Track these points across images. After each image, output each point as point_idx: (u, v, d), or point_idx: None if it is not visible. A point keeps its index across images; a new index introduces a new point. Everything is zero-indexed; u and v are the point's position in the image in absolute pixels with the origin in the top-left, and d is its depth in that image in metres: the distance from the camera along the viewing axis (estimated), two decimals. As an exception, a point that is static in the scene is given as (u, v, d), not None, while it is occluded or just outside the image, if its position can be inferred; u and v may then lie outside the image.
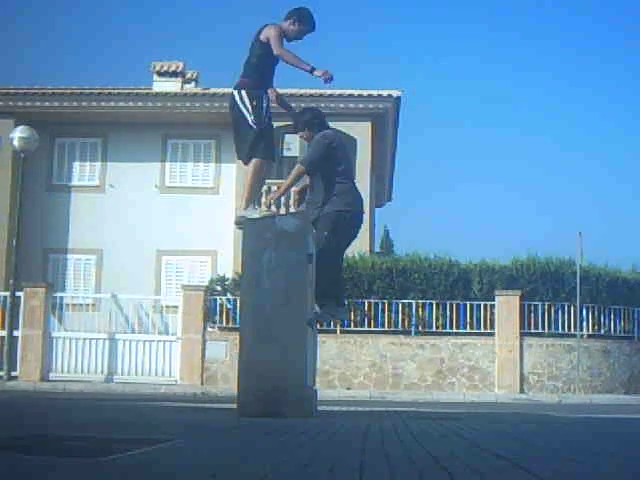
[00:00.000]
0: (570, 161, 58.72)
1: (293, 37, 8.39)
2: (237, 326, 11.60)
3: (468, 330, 17.91)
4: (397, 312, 18.04)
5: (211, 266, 22.93)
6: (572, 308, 18.02)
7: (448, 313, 17.98)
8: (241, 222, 7.44)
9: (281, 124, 21.53)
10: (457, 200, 57.68)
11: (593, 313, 18.32)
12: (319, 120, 8.34)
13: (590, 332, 18.28)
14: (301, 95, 22.95)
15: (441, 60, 61.74)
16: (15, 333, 17.97)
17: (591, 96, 60.63)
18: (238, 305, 14.70)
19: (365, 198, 24.35)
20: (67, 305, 20.21)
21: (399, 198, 51.99)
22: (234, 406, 6.86)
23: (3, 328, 18.02)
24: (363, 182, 23.09)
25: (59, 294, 19.72)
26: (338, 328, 17.99)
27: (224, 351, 17.91)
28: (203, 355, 18.10)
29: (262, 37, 8.12)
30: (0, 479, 2.83)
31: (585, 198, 56.21)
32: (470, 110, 62.84)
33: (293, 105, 8.87)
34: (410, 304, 18.03)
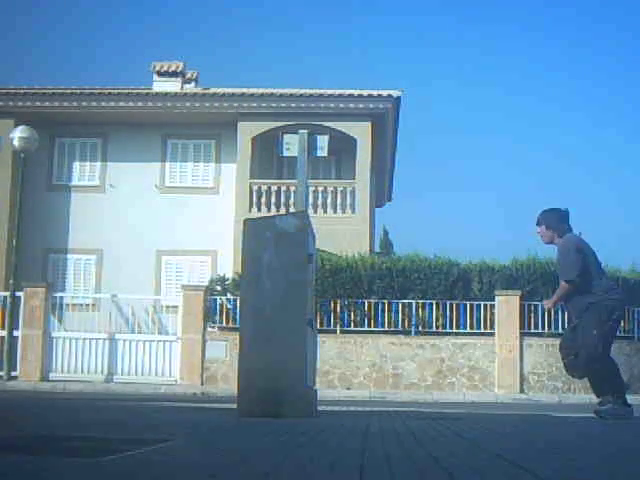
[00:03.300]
0: (570, 161, 58.77)
1: None
2: (237, 326, 11.59)
3: (468, 330, 17.91)
4: (397, 312, 18.04)
5: (211, 266, 22.94)
6: (572, 308, 18.01)
7: (448, 313, 17.97)
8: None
9: (280, 124, 21.71)
10: (457, 200, 57.67)
11: (593, 313, 18.30)
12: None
13: (590, 332, 18.26)
14: (301, 95, 22.99)
15: (441, 60, 61.74)
16: (15, 333, 17.97)
17: (585, 103, 60.72)
18: (238, 305, 14.70)
19: (365, 198, 24.48)
20: (67, 305, 20.20)
21: (399, 198, 51.97)
22: (234, 406, 6.86)
23: (3, 328, 18.02)
24: (363, 182, 23.14)
25: (59, 294, 19.71)
26: (338, 328, 18.00)
27: (224, 351, 17.91)
28: (203, 355, 18.10)
29: None
30: (0, 479, 2.83)
31: (585, 198, 56.20)
32: (470, 110, 62.85)
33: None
34: (410, 304, 18.03)
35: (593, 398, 8.46)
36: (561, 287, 8.03)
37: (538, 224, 8.34)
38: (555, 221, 8.17)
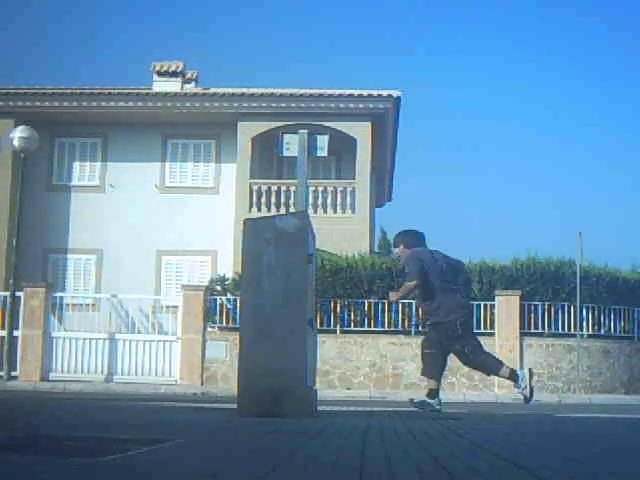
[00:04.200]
0: (570, 161, 58.77)
1: None
2: (237, 326, 11.58)
3: (468, 330, 17.89)
4: (397, 312, 18.04)
5: (211, 266, 22.94)
6: (572, 308, 18.02)
7: (448, 313, 17.95)
8: None
9: (280, 124, 21.70)
10: (457, 200, 57.66)
11: (593, 313, 18.32)
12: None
13: (590, 332, 18.27)
14: (301, 95, 22.99)
15: (442, 60, 61.75)
16: (15, 333, 17.97)
17: (599, 95, 60.74)
18: (238, 305, 14.69)
19: (365, 198, 24.45)
20: (67, 305, 20.20)
21: (399, 198, 51.96)
22: (234, 406, 6.86)
23: (3, 328, 18.01)
24: (363, 182, 23.15)
25: (59, 294, 19.71)
26: (338, 328, 18.00)
27: (224, 351, 17.91)
28: (203, 355, 18.10)
29: None
30: (0, 479, 2.83)
31: (585, 198, 56.21)
32: (471, 110, 62.84)
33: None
34: (410, 304, 18.02)
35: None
36: (405, 286, 9.53)
37: (395, 246, 9.81)
38: (411, 241, 9.51)
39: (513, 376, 9.23)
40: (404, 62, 59.85)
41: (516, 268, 18.36)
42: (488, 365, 9.48)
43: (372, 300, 18.07)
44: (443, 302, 9.24)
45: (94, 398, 12.32)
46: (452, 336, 9.18)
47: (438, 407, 9.02)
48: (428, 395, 9.17)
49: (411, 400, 9.37)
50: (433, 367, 9.32)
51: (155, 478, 2.94)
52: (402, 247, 9.58)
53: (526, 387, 9.05)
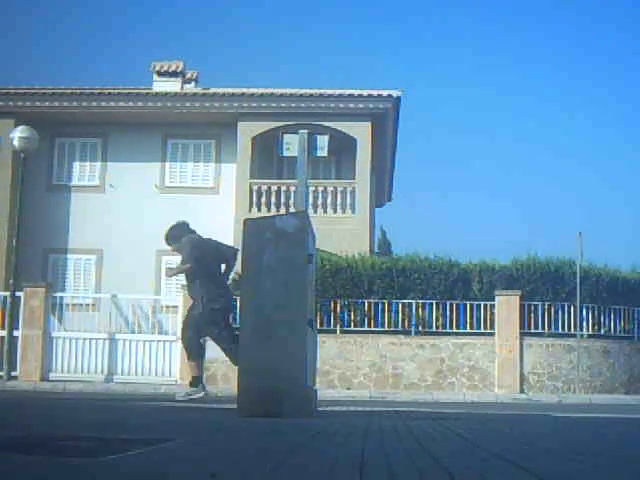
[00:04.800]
0: (570, 161, 58.75)
1: None
2: (237, 326, 11.58)
3: (468, 330, 17.90)
4: (397, 312, 18.03)
5: (211, 266, 22.92)
6: (572, 308, 18.01)
7: (448, 313, 17.96)
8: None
9: (280, 124, 21.70)
10: (457, 200, 57.66)
11: (593, 313, 18.31)
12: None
13: (590, 332, 18.27)
14: (301, 95, 22.99)
15: (443, 60, 61.74)
16: (15, 333, 17.96)
17: (589, 102, 60.74)
18: (238, 305, 14.68)
19: (365, 198, 24.46)
20: (67, 305, 20.18)
21: (399, 198, 51.98)
22: (234, 406, 6.86)
23: (3, 328, 18.00)
24: (363, 182, 23.14)
25: (59, 294, 19.69)
26: (338, 328, 18.00)
27: (224, 351, 17.87)
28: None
29: None
30: (0, 479, 2.83)
31: (585, 198, 56.20)
32: (470, 111, 62.83)
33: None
34: (410, 304, 18.02)
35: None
36: (179, 267, 10.56)
37: (168, 244, 10.89)
38: (178, 235, 10.70)
39: (195, 381, 10.07)
40: (404, 62, 59.85)
41: (516, 268, 18.35)
42: (232, 357, 10.01)
43: (372, 300, 18.06)
44: (209, 288, 9.94)
45: (94, 398, 12.31)
46: (210, 320, 9.90)
47: (202, 393, 9.72)
48: (191, 384, 9.81)
49: (177, 399, 9.84)
50: (194, 352, 10.07)
51: (155, 478, 2.94)
52: (174, 245, 10.65)
53: (188, 397, 9.89)
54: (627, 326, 18.66)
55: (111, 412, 7.67)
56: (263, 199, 22.77)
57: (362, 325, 18.06)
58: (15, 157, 20.80)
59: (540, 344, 17.90)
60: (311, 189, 21.36)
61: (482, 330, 17.93)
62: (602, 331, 18.38)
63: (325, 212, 22.56)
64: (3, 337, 17.91)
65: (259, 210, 22.33)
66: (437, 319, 17.98)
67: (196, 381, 9.65)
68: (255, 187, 22.91)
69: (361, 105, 23.05)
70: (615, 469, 3.47)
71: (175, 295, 20.42)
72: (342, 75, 56.56)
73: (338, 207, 22.75)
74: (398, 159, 28.29)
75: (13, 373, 17.85)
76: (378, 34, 61.30)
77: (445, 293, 18.07)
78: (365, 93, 23.29)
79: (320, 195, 22.77)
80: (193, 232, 10.80)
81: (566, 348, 17.98)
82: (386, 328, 17.97)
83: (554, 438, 5.27)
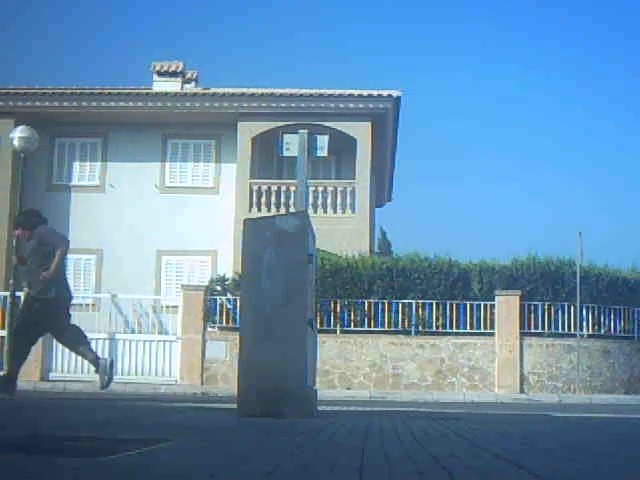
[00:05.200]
0: (570, 162, 58.77)
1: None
2: (237, 326, 11.58)
3: (468, 330, 17.91)
4: (397, 312, 18.04)
5: (211, 266, 22.94)
6: (572, 308, 18.02)
7: (448, 313, 17.97)
8: None
9: (280, 124, 21.69)
10: (457, 200, 57.66)
11: (593, 313, 18.32)
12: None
13: (590, 332, 18.28)
14: (301, 95, 22.99)
15: (443, 60, 61.74)
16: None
17: (592, 96, 60.73)
18: (238, 305, 14.69)
19: (365, 198, 24.45)
20: (67, 305, 20.16)
21: (399, 198, 51.99)
22: (234, 406, 6.86)
23: (3, 328, 18.00)
24: (363, 182, 23.14)
25: (59, 294, 19.67)
26: (338, 328, 18.00)
27: (224, 351, 17.91)
28: (203, 355, 18.10)
29: None
30: (0, 479, 2.83)
31: (585, 198, 56.21)
32: (471, 111, 62.84)
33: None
34: (410, 304, 18.03)
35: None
36: (59, 255, 9.71)
37: (16, 228, 10.30)
38: (29, 221, 10.04)
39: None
40: (404, 62, 59.86)
41: (516, 268, 18.36)
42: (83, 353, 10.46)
43: (372, 300, 18.07)
44: (59, 279, 9.81)
45: (94, 398, 12.31)
46: (51, 313, 9.87)
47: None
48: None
49: None
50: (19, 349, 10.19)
51: (155, 478, 2.94)
52: (21, 230, 10.06)
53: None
54: (627, 326, 18.67)
55: (111, 412, 7.67)
56: (263, 199, 22.77)
57: (362, 325, 18.07)
58: (15, 157, 20.80)
59: (540, 344, 17.91)
60: (311, 189, 21.36)
61: (482, 330, 17.94)
62: (602, 331, 18.39)
63: (325, 212, 22.57)
64: (3, 337, 17.91)
65: (259, 210, 22.33)
66: (437, 319, 17.99)
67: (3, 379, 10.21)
68: (255, 187, 22.91)
69: (361, 105, 23.05)
70: (615, 469, 3.47)
71: (175, 295, 20.44)
72: (342, 75, 56.58)
73: (338, 207, 22.75)
74: (398, 159, 28.30)
75: (13, 373, 17.82)
76: (378, 34, 61.31)
77: (445, 293, 18.07)
78: (365, 93, 23.29)
79: (320, 195, 22.77)
80: (46, 221, 10.29)
81: (566, 348, 17.99)
82: (386, 328, 17.98)
83: (554, 438, 5.27)
